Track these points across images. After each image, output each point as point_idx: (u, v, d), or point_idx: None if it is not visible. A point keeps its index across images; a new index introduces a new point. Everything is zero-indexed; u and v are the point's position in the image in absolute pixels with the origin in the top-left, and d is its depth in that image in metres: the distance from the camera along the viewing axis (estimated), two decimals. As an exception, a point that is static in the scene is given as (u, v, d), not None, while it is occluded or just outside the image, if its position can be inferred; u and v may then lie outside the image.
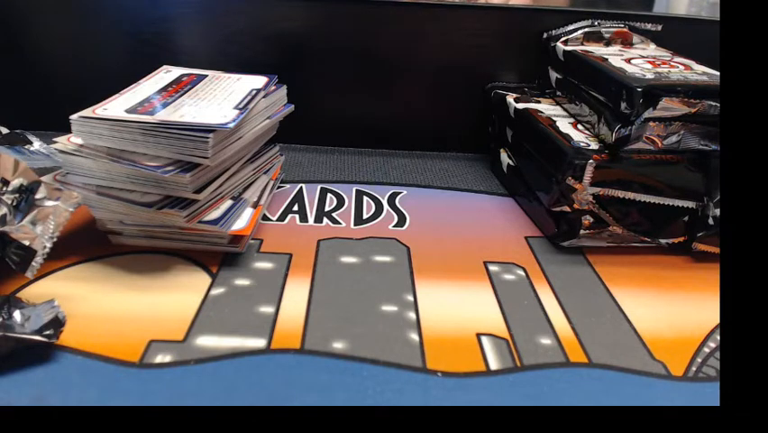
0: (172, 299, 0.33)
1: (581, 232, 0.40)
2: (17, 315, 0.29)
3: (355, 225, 0.43)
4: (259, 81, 0.42)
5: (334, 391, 0.28)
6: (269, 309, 0.33)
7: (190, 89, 0.40)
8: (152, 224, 0.36)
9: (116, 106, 0.36)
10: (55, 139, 0.36)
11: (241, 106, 0.37)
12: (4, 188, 0.32)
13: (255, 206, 0.40)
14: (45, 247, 0.31)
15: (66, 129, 0.35)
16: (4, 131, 0.42)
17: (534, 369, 0.30)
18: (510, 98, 0.50)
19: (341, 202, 0.46)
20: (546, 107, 0.47)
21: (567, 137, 0.41)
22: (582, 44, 0.51)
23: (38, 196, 0.32)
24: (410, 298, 0.35)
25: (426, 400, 0.27)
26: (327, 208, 0.45)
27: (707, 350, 0.32)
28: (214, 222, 0.36)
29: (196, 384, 0.27)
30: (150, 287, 0.34)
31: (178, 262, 0.37)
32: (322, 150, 0.56)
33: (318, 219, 0.43)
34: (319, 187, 0.48)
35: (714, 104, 0.37)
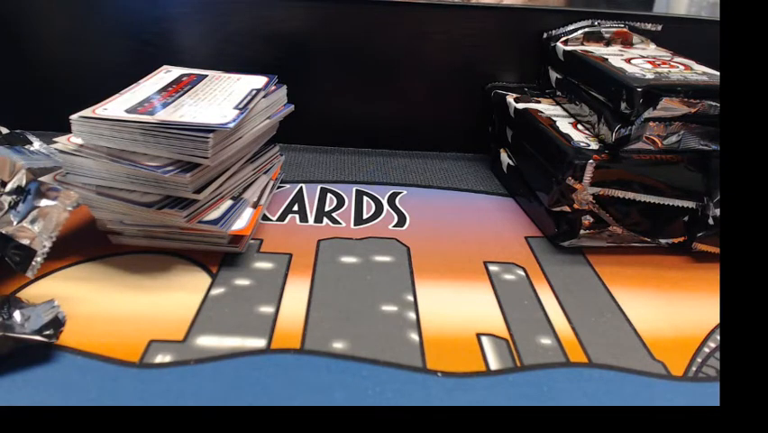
0: (172, 299, 0.33)
1: (581, 232, 0.40)
2: (17, 315, 0.29)
3: (355, 225, 0.43)
4: (259, 81, 0.42)
5: (334, 391, 0.28)
6: (269, 309, 0.33)
7: (190, 89, 0.40)
8: (152, 224, 0.36)
9: (116, 106, 0.36)
10: (55, 139, 0.36)
11: (241, 106, 0.37)
12: (2, 189, 0.32)
13: (255, 206, 0.40)
14: (45, 246, 0.31)
15: (66, 129, 0.35)
16: (4, 131, 0.42)
17: (534, 369, 0.30)
18: (510, 98, 0.50)
19: (341, 202, 0.46)
20: (546, 107, 0.47)
21: (567, 137, 0.41)
22: (582, 44, 0.51)
23: (36, 196, 0.32)
24: (410, 298, 0.35)
25: (426, 400, 0.27)
26: (327, 208, 0.45)
27: (707, 350, 0.32)
28: (215, 222, 0.36)
29: (196, 384, 0.27)
30: (150, 287, 0.34)
31: (178, 262, 0.37)
32: (322, 150, 0.56)
33: (318, 219, 0.43)
34: (319, 187, 0.48)
35: (714, 104, 0.37)
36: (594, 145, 0.40)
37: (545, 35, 0.53)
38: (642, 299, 0.36)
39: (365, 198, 0.47)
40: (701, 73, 0.40)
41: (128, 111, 0.35)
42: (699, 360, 0.31)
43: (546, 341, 0.32)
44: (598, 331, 0.33)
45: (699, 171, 0.39)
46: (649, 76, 0.39)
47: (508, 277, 0.38)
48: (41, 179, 0.33)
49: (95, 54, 0.53)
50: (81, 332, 0.30)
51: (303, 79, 0.52)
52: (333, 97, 0.55)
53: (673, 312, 0.35)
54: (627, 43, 0.52)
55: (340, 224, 0.43)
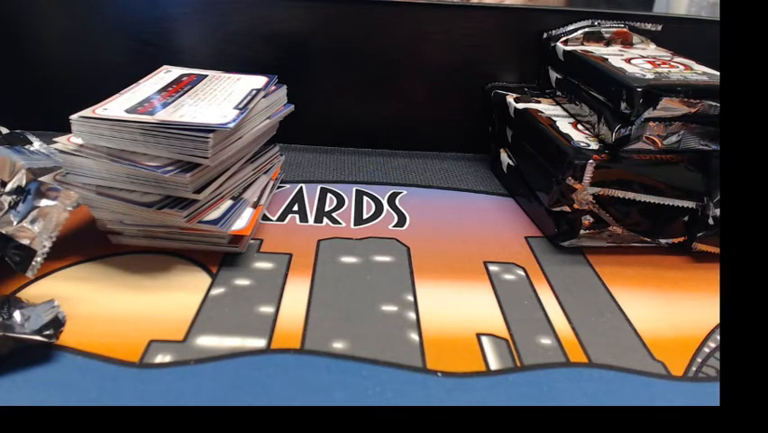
0: (172, 299, 0.33)
1: (581, 232, 0.40)
2: (17, 315, 0.29)
3: (355, 225, 0.43)
4: (259, 81, 0.42)
5: (334, 391, 0.28)
6: (269, 309, 0.33)
7: (190, 89, 0.40)
8: (152, 224, 0.36)
9: (116, 106, 0.36)
10: (55, 139, 0.36)
11: (241, 106, 0.37)
12: (2, 189, 0.32)
13: (255, 206, 0.40)
14: (45, 246, 0.31)
15: (66, 129, 0.35)
16: (4, 131, 0.42)
17: (534, 369, 0.30)
18: (510, 98, 0.50)
19: (341, 202, 0.46)
20: (546, 107, 0.47)
21: (567, 137, 0.41)
22: (582, 44, 0.51)
23: (36, 196, 0.32)
24: (410, 298, 0.35)
25: (426, 400, 0.27)
26: (327, 208, 0.45)
27: (707, 350, 0.32)
28: (215, 222, 0.36)
29: (196, 384, 0.27)
30: (150, 287, 0.34)
31: (178, 262, 0.37)
32: (322, 150, 0.56)
33: (318, 219, 0.43)
34: (319, 187, 0.48)
35: (714, 104, 0.37)
36: (594, 145, 0.40)
37: (545, 35, 0.53)
38: (642, 299, 0.36)
39: (365, 198, 0.47)
40: (701, 73, 0.40)
41: (128, 111, 0.35)
42: (699, 360, 0.31)
43: (546, 341, 0.32)
44: (598, 331, 0.33)
45: (699, 171, 0.39)
46: (649, 76, 0.39)
47: (508, 277, 0.38)
48: (41, 179, 0.33)
49: (95, 54, 0.53)
50: (81, 332, 0.30)
51: (303, 79, 0.52)
52: (333, 97, 0.55)
53: (673, 312, 0.35)
54: (627, 43, 0.52)
55: (340, 224, 0.43)
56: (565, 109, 0.47)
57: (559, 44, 0.50)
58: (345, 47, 0.53)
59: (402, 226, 0.43)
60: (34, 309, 0.30)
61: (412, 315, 0.33)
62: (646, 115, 0.37)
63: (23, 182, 0.33)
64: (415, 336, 0.32)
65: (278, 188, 0.48)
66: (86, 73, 0.53)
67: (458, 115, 0.56)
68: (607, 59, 0.44)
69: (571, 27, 0.52)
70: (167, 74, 0.42)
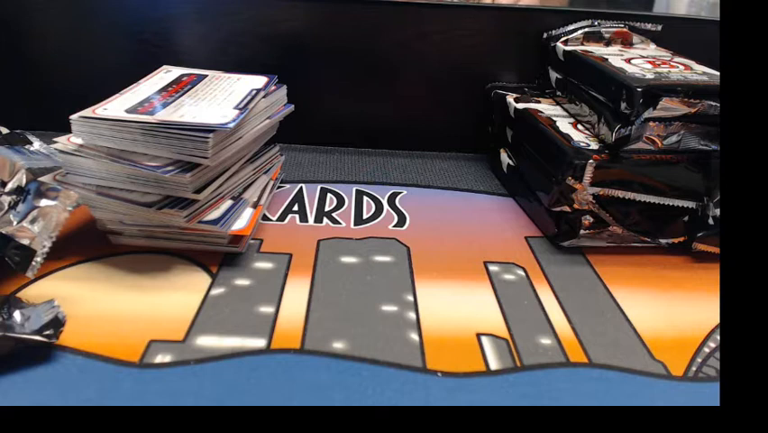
0: (172, 299, 0.33)
1: (581, 232, 0.40)
2: (17, 315, 0.29)
3: (355, 225, 0.43)
4: (259, 81, 0.42)
5: (334, 391, 0.28)
6: (269, 309, 0.33)
7: (190, 89, 0.40)
8: (152, 224, 0.36)
9: (116, 106, 0.36)
10: (55, 139, 0.36)
11: (241, 106, 0.37)
12: (2, 189, 0.32)
13: (255, 206, 0.40)
14: (44, 246, 0.31)
15: (66, 129, 0.35)
16: (4, 131, 0.42)
17: (534, 369, 0.30)
18: (510, 98, 0.50)
19: (341, 202, 0.46)
20: (546, 107, 0.47)
21: (567, 137, 0.41)
22: (582, 44, 0.51)
23: (36, 196, 0.32)
24: (410, 298, 0.35)
25: (426, 401, 0.27)
26: (327, 208, 0.45)
27: (707, 350, 0.32)
28: (214, 222, 0.36)
29: (196, 384, 0.27)
30: (150, 287, 0.34)
31: (178, 262, 0.37)
32: (322, 150, 0.56)
33: (318, 219, 0.43)
34: (319, 187, 0.48)
35: (714, 104, 0.37)
36: (594, 145, 0.40)
37: (545, 35, 0.53)
38: (642, 299, 0.36)
39: (365, 198, 0.47)
40: (701, 73, 0.40)
41: (128, 111, 0.35)
42: (699, 360, 0.31)
43: (546, 341, 0.32)
44: (598, 331, 0.33)
45: (699, 171, 0.39)
46: (649, 76, 0.39)
47: (508, 277, 0.38)
48: (41, 179, 0.33)
49: (95, 54, 0.53)
50: (81, 332, 0.30)
51: (303, 79, 0.52)
52: (334, 97, 0.55)
53: (673, 312, 0.35)
54: (627, 43, 0.52)
55: (340, 224, 0.43)
56: (565, 109, 0.47)
57: (559, 44, 0.50)
58: (345, 47, 0.53)
59: (402, 226, 0.43)
60: (34, 309, 0.30)
61: (412, 315, 0.33)
62: (646, 115, 0.37)
63: (23, 182, 0.33)
64: (415, 336, 0.32)
65: (278, 188, 0.48)
66: (86, 73, 0.53)
67: (458, 115, 0.56)
68: (607, 59, 0.44)
69: (571, 27, 0.52)
70: (167, 74, 0.42)
